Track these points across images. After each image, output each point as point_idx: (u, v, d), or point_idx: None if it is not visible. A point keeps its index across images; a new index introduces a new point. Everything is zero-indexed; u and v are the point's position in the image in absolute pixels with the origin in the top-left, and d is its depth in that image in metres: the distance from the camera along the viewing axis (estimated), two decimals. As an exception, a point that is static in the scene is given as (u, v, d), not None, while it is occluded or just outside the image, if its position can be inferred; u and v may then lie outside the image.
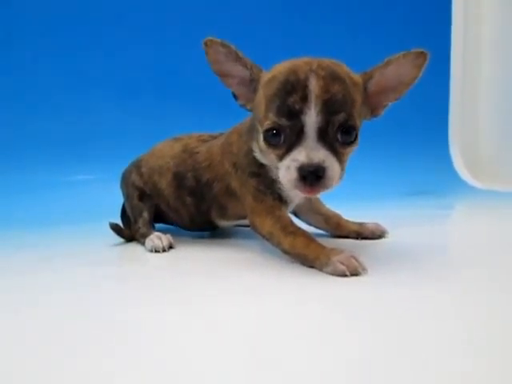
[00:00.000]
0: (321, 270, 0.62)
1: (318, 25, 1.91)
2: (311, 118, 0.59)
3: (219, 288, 0.59)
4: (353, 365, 0.36)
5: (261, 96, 0.65)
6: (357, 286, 0.56)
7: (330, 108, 0.59)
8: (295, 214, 0.88)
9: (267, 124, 0.62)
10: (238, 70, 0.68)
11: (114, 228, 0.92)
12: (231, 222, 0.90)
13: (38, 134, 1.66)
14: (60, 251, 0.88)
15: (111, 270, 0.73)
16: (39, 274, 0.72)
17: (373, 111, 0.69)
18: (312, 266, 0.64)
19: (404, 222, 1.06)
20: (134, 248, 0.89)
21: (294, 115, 0.59)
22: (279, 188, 0.72)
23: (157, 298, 0.56)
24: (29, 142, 1.65)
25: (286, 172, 0.61)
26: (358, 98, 0.63)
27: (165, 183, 0.90)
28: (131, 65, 1.76)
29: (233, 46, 0.67)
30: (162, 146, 0.95)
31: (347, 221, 0.88)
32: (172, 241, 0.85)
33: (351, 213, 0.91)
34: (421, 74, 0.66)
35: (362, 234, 0.85)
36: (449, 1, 2.06)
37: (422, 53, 0.64)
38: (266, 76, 0.66)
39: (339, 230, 0.87)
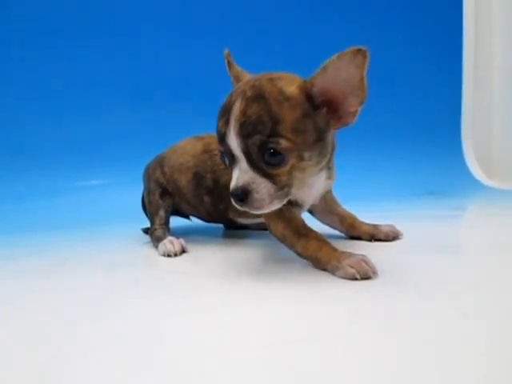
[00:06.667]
0: (333, 273, 0.62)
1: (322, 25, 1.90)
2: (233, 142, 0.60)
3: (231, 292, 0.59)
4: (363, 367, 0.36)
5: None
6: (368, 289, 0.55)
7: (244, 131, 0.58)
8: (311, 212, 0.88)
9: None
10: None
11: (147, 232, 0.97)
12: (250, 221, 0.93)
13: (52, 141, 1.68)
14: (74, 254, 0.89)
15: (125, 273, 0.73)
16: (54, 276, 0.73)
17: (341, 119, 0.62)
18: (324, 269, 0.63)
19: (417, 222, 1.05)
20: (147, 251, 0.89)
21: (222, 139, 0.61)
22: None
23: (169, 302, 0.56)
24: (43, 149, 1.67)
25: None
26: (291, 113, 0.58)
27: (184, 181, 0.93)
28: (144, 69, 1.77)
29: None
30: (185, 144, 0.97)
31: (362, 222, 0.87)
32: (185, 245, 0.85)
33: (365, 214, 0.90)
34: (365, 73, 0.57)
35: (376, 235, 0.84)
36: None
37: (358, 50, 0.55)
38: None
39: (353, 230, 0.86)
